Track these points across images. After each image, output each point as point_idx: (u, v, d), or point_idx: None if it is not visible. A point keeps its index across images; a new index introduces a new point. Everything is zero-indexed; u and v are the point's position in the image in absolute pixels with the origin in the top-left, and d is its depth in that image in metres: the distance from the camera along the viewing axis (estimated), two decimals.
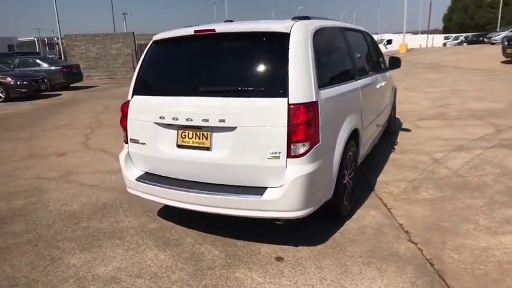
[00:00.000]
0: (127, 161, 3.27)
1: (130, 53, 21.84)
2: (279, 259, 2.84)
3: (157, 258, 2.94)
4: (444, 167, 4.55)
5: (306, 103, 2.58)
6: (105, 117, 9.53)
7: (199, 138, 2.83)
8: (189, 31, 3.01)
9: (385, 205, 3.64)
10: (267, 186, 2.71)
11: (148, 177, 3.14)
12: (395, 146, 5.53)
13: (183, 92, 2.91)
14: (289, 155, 2.59)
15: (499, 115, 7.09)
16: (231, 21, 3.24)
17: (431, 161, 4.82)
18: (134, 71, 3.32)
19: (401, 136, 6.10)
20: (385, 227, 3.23)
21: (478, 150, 5.07)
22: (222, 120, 2.69)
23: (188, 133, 2.87)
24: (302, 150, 2.60)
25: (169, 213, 3.68)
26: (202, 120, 2.74)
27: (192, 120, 2.78)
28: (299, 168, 2.60)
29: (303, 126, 2.56)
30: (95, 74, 22.29)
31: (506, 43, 15.02)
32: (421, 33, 53.28)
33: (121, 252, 3.06)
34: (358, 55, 4.00)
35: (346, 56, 3.63)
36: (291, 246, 2.99)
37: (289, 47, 2.64)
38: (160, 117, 2.93)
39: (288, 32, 2.71)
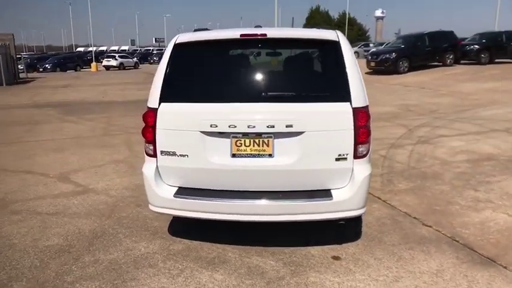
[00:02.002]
0: (156, 176, 2.89)
1: None
2: (336, 258, 2.94)
3: (216, 278, 2.71)
4: (396, 162, 5.31)
5: (364, 107, 2.78)
6: None
7: (258, 146, 2.73)
8: (233, 34, 2.87)
9: (379, 198, 4.09)
10: (330, 188, 2.80)
11: (189, 192, 2.85)
12: None
13: (240, 98, 2.75)
14: (355, 156, 2.74)
15: (399, 117, 8.53)
16: (259, 26, 3.20)
17: (381, 157, 5.54)
18: None
19: None
20: (396, 216, 3.64)
21: (409, 147, 6.05)
22: (290, 126, 2.66)
23: (245, 141, 2.74)
24: (363, 151, 2.78)
25: (183, 231, 3.37)
26: (267, 126, 2.66)
27: (254, 127, 2.67)
28: (364, 168, 2.78)
29: (365, 129, 2.74)
30: None
31: (370, 57, 17.98)
32: None
33: (167, 280, 2.70)
34: None
35: None
36: (336, 245, 3.12)
37: (343, 53, 2.80)
38: (211, 126, 2.71)
39: (337, 40, 2.86)
